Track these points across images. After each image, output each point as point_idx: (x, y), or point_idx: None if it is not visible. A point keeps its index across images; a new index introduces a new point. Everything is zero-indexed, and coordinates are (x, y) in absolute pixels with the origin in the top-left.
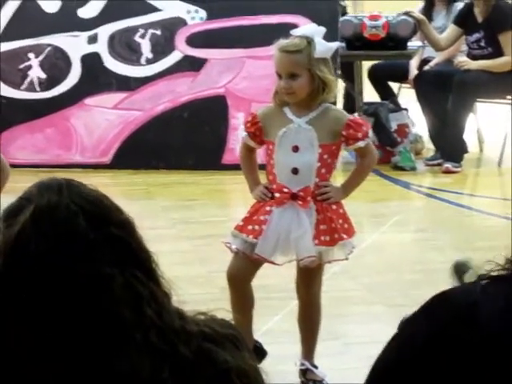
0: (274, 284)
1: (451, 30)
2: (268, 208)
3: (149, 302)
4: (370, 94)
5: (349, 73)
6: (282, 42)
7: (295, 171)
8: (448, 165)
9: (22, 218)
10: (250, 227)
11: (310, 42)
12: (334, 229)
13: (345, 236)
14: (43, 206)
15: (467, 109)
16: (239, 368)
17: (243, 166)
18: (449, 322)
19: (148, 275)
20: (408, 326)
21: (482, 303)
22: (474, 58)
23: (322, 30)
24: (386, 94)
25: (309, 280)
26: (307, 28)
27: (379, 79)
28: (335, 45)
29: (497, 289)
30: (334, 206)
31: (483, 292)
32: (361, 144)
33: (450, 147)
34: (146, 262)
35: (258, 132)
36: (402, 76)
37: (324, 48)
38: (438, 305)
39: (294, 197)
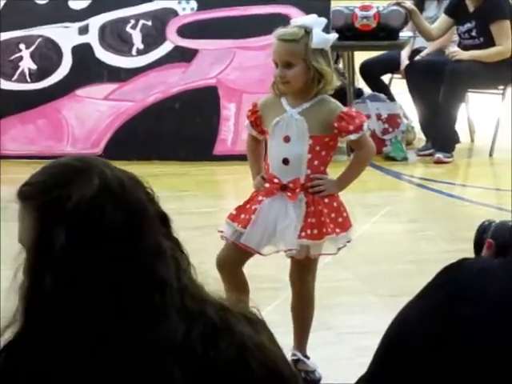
0: (267, 274)
1: (442, 19)
2: (260, 198)
3: (186, 271)
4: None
5: None
6: (281, 30)
7: (286, 162)
8: (439, 155)
9: (82, 188)
10: (242, 216)
11: (308, 32)
12: (322, 222)
13: (337, 230)
14: (109, 177)
15: (459, 99)
16: (255, 342)
17: (248, 155)
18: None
19: (179, 247)
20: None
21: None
22: (465, 48)
23: (323, 21)
24: (379, 89)
25: (302, 271)
26: (307, 18)
27: (371, 74)
28: (333, 36)
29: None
30: (327, 200)
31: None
32: (352, 137)
33: (441, 137)
34: (175, 236)
35: (258, 121)
36: (393, 68)
37: (320, 39)
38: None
39: (283, 188)
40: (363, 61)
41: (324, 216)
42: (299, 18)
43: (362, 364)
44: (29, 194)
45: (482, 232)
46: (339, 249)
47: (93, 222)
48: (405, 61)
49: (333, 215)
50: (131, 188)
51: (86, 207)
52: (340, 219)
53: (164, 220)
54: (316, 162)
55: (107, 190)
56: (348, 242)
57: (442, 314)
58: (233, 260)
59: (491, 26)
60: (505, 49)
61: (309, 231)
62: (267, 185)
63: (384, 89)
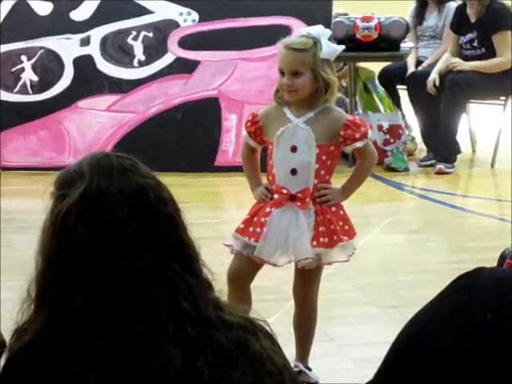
0: (268, 286)
1: (448, 35)
2: (268, 209)
3: (184, 295)
4: None
5: None
6: (288, 39)
7: (294, 172)
8: (441, 166)
9: (72, 195)
10: (250, 229)
11: (316, 42)
12: (333, 231)
13: (345, 238)
14: (92, 191)
15: (460, 109)
16: (273, 360)
17: (245, 167)
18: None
19: (186, 268)
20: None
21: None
22: (466, 58)
23: (328, 32)
24: (393, 97)
25: (307, 282)
26: (314, 28)
27: (388, 82)
28: (340, 47)
29: None
30: (334, 208)
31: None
32: (358, 145)
33: (442, 148)
34: (186, 256)
35: (258, 132)
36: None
37: (330, 50)
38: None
39: (292, 198)
40: (382, 68)
41: (333, 224)
42: (305, 28)
43: (363, 375)
44: (56, 179)
45: (504, 257)
46: (349, 256)
47: (64, 236)
48: (411, 70)
49: (340, 223)
50: (111, 206)
51: (60, 219)
52: (346, 227)
53: (165, 242)
54: (322, 172)
55: (82, 206)
56: (354, 249)
57: (456, 321)
58: (245, 273)
59: (493, 37)
60: (506, 60)
61: (321, 239)
62: (276, 196)
63: (397, 98)
